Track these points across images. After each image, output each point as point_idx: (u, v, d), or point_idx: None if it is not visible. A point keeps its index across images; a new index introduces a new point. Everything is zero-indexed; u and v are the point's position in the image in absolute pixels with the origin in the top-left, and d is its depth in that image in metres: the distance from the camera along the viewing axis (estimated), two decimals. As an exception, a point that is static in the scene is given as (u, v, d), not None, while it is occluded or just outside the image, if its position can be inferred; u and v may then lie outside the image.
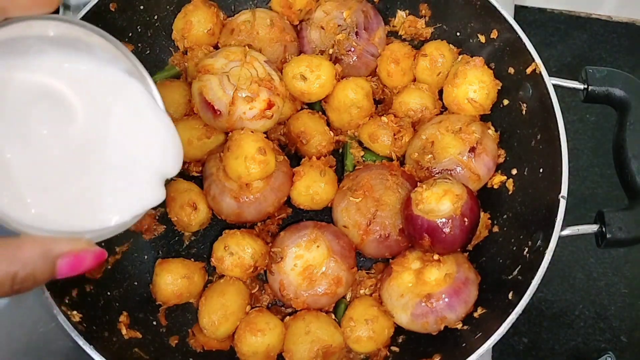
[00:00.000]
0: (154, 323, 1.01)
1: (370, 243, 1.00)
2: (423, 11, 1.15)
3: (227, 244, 0.99)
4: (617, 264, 1.21)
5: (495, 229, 1.03)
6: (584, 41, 1.39)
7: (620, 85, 0.96)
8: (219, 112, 0.99)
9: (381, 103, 1.15)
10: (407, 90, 1.10)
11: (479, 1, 1.05)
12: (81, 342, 0.85)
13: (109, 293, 0.99)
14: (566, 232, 0.89)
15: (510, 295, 0.89)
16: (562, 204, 0.89)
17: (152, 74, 1.09)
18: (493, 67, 1.06)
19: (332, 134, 1.09)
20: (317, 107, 1.12)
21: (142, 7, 1.10)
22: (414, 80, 1.12)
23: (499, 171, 1.05)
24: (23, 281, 0.55)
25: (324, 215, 1.08)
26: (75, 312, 0.88)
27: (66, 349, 1.03)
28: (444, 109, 1.11)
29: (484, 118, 1.07)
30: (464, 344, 0.90)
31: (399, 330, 0.98)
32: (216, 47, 1.12)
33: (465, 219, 0.91)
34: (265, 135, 1.01)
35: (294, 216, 1.09)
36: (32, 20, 0.59)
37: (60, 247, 0.58)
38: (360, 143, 1.11)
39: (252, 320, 0.96)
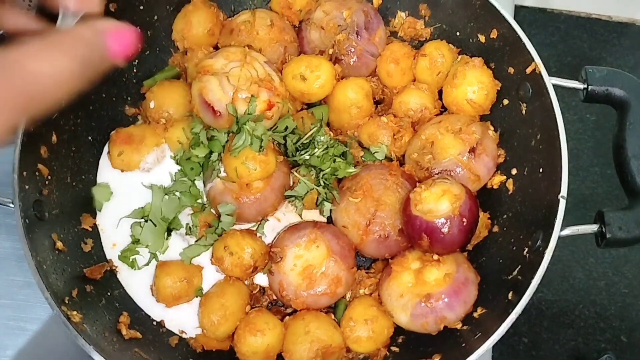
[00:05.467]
0: (154, 323, 1.01)
1: (369, 243, 1.00)
2: (423, 11, 1.15)
3: (227, 244, 0.99)
4: (617, 264, 1.21)
5: (495, 229, 1.03)
6: (584, 41, 1.39)
7: (620, 85, 0.96)
8: (219, 113, 0.99)
9: (381, 103, 1.14)
10: (407, 90, 1.10)
11: (479, 1, 1.05)
12: (81, 342, 0.85)
13: (109, 293, 0.99)
14: (566, 232, 0.89)
15: (510, 295, 0.89)
16: (562, 204, 0.89)
17: (152, 74, 1.12)
18: (493, 67, 1.06)
19: (332, 134, 1.09)
20: (317, 107, 1.12)
21: (142, 7, 1.10)
22: (414, 80, 1.12)
23: (499, 171, 1.05)
24: (89, 62, 0.61)
25: (323, 216, 1.08)
26: (75, 312, 0.88)
27: (66, 349, 1.03)
28: (443, 109, 1.11)
29: (483, 118, 1.07)
30: (464, 344, 0.90)
31: (398, 330, 0.98)
32: (216, 48, 1.12)
33: (464, 219, 0.91)
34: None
35: (293, 216, 1.08)
36: None
37: (103, 24, 0.64)
38: (360, 143, 1.11)
39: (251, 320, 0.96)
